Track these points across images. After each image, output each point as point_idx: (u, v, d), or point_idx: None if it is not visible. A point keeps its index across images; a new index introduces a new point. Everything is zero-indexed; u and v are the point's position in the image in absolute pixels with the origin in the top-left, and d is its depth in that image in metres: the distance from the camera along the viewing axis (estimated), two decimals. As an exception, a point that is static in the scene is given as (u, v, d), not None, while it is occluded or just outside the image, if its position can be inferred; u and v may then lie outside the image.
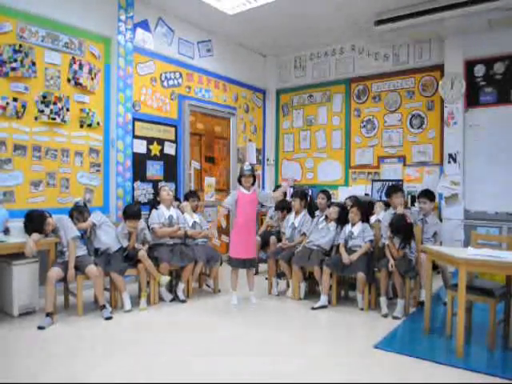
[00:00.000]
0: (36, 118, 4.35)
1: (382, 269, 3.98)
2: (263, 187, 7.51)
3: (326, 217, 4.58)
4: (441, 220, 5.51)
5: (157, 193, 5.00)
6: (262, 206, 5.54)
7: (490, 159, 5.62)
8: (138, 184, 5.34)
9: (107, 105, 5.01)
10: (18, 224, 3.94)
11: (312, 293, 4.63)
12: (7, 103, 4.12)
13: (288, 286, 4.76)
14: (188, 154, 6.08)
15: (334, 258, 4.30)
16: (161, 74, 5.64)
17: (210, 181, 6.48)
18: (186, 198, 5.07)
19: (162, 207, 4.55)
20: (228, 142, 6.97)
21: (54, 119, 4.47)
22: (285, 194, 5.77)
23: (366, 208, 4.57)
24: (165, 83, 5.70)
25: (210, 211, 6.39)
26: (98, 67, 4.89)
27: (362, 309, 4.12)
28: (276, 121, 7.72)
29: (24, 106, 4.24)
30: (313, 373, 2.75)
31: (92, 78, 4.81)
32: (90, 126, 4.80)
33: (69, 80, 4.61)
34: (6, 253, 3.69)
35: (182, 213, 4.72)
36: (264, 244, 5.42)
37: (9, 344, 3.16)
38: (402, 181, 6.30)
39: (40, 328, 3.44)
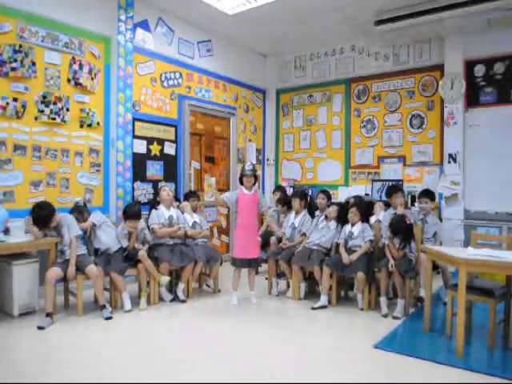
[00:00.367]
0: (36, 118, 4.35)
1: (382, 269, 3.99)
2: (263, 187, 7.51)
3: (326, 216, 4.59)
4: (441, 220, 5.52)
5: (157, 193, 5.00)
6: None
7: (490, 159, 5.62)
8: (137, 184, 5.34)
9: (107, 105, 5.01)
10: (18, 224, 3.95)
11: (312, 293, 4.63)
12: (7, 103, 4.12)
13: (288, 286, 4.76)
14: (188, 154, 6.07)
15: (333, 258, 4.30)
16: (161, 74, 5.64)
17: (210, 181, 6.48)
18: (186, 198, 5.06)
19: (161, 207, 4.55)
20: (228, 142, 6.97)
21: (54, 119, 4.47)
22: (285, 193, 5.78)
23: (365, 208, 4.57)
24: (165, 83, 5.70)
25: (209, 211, 6.39)
26: (97, 67, 4.89)
27: (362, 309, 4.12)
28: (276, 121, 7.72)
29: (24, 106, 4.24)
30: (313, 373, 2.75)
31: (92, 78, 4.81)
32: (90, 125, 4.80)
33: (69, 80, 4.61)
34: (5, 253, 3.69)
35: (182, 213, 4.72)
36: (264, 244, 5.42)
37: (9, 344, 3.16)
38: (402, 181, 6.30)
39: (40, 328, 3.44)
